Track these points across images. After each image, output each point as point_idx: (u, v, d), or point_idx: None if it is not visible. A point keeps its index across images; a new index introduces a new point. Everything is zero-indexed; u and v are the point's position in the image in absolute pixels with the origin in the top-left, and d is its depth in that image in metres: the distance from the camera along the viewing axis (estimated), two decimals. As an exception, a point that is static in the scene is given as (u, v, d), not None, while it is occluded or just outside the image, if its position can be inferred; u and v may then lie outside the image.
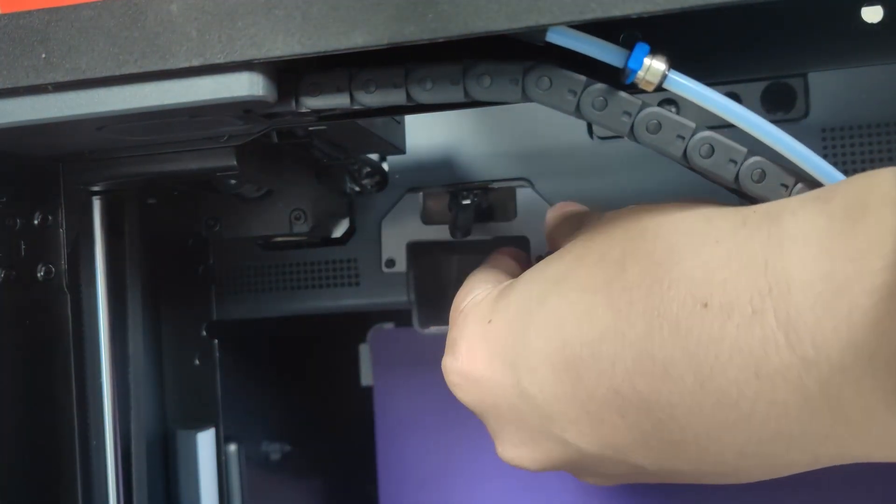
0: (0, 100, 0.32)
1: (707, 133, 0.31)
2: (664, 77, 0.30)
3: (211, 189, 0.50)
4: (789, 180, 0.31)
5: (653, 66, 0.29)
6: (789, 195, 0.30)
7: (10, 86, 0.31)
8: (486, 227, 0.53)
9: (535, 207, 0.52)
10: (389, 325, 0.69)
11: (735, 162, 0.31)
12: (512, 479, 0.65)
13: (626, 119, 0.31)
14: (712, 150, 0.31)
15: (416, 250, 0.54)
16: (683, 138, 0.31)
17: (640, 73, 0.30)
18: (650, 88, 0.30)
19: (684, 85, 0.30)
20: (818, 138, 0.47)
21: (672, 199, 0.50)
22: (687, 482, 0.32)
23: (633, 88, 0.31)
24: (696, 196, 0.33)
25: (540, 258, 0.51)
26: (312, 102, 0.32)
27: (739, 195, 0.32)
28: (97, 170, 0.42)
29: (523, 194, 0.52)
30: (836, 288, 0.24)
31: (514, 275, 0.38)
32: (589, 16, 0.27)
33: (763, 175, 0.31)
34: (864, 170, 0.47)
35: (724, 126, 0.50)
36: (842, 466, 0.28)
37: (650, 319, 0.28)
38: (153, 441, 0.52)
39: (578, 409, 0.31)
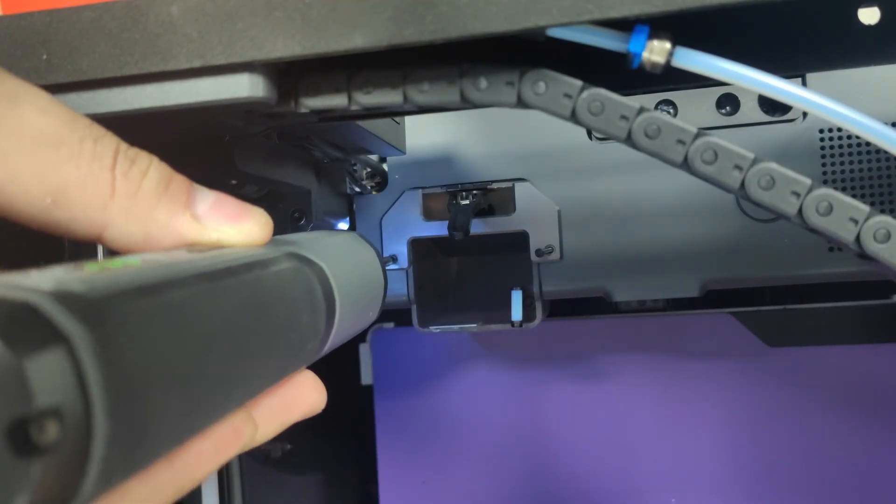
0: (2, 101, 0.32)
1: (709, 138, 0.29)
2: (671, 54, 0.28)
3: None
4: (801, 187, 0.29)
5: (657, 45, 0.28)
6: (800, 204, 0.29)
7: (11, 87, 0.31)
8: (485, 222, 0.53)
9: (533, 203, 0.52)
10: (389, 325, 0.69)
11: (741, 168, 0.29)
12: (511, 477, 0.65)
13: (623, 123, 0.30)
14: (715, 155, 0.29)
15: (418, 247, 0.55)
16: (684, 143, 0.29)
17: (645, 54, 0.28)
18: (658, 69, 0.28)
19: (695, 58, 0.28)
20: (816, 139, 0.47)
21: (672, 199, 0.50)
22: None
23: (642, 77, 0.29)
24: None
25: (539, 253, 0.52)
26: (312, 103, 0.32)
27: (747, 201, 0.30)
28: (98, 170, 0.42)
29: (522, 190, 0.52)
30: None
31: None
32: (586, 17, 0.27)
33: (772, 182, 0.29)
34: (860, 171, 0.47)
35: (726, 127, 0.51)
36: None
37: None
38: (154, 440, 0.52)
39: None
